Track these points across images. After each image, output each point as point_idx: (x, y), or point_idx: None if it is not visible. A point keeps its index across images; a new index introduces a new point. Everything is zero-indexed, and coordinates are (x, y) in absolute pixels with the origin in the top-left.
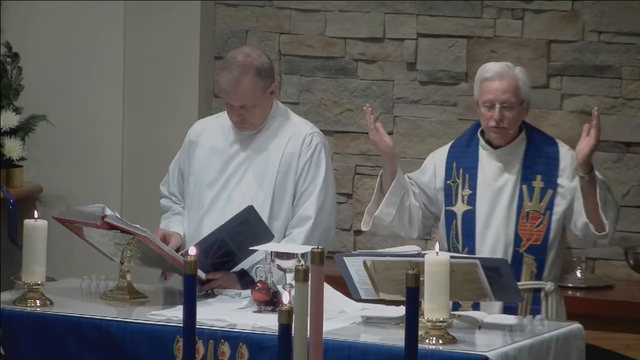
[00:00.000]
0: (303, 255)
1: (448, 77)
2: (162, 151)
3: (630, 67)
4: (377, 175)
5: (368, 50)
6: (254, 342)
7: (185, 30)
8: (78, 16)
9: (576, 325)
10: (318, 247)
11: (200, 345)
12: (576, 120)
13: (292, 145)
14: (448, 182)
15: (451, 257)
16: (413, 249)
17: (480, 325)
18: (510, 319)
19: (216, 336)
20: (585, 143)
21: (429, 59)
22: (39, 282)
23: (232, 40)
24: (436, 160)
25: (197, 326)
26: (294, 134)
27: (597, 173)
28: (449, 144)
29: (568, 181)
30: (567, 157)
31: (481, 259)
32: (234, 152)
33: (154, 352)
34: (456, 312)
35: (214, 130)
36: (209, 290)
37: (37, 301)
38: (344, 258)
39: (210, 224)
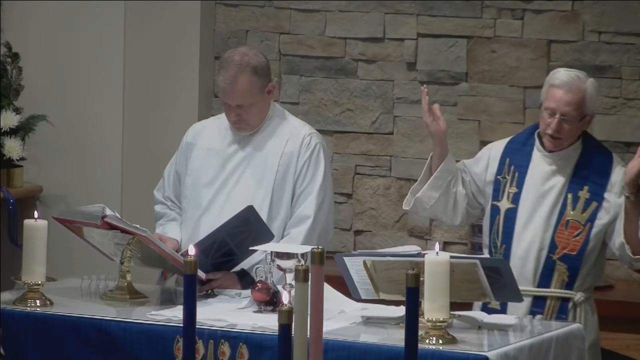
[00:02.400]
0: (303, 255)
1: (448, 77)
2: (162, 151)
3: (630, 67)
4: (377, 176)
5: (368, 50)
6: (254, 342)
7: (185, 30)
8: (78, 16)
9: (576, 325)
10: (318, 247)
11: (200, 345)
12: None
13: (291, 145)
14: (498, 176)
15: (451, 257)
16: (413, 249)
17: (480, 325)
18: (511, 319)
19: (216, 336)
20: (636, 163)
21: (429, 59)
22: (39, 282)
23: (232, 40)
24: (491, 153)
25: (197, 326)
26: (293, 135)
27: None
28: (508, 139)
29: (615, 197)
30: (619, 172)
31: (481, 259)
32: (232, 152)
33: (154, 352)
34: (456, 312)
35: (211, 131)
36: (209, 290)
37: (37, 301)
38: (344, 258)
39: (208, 223)
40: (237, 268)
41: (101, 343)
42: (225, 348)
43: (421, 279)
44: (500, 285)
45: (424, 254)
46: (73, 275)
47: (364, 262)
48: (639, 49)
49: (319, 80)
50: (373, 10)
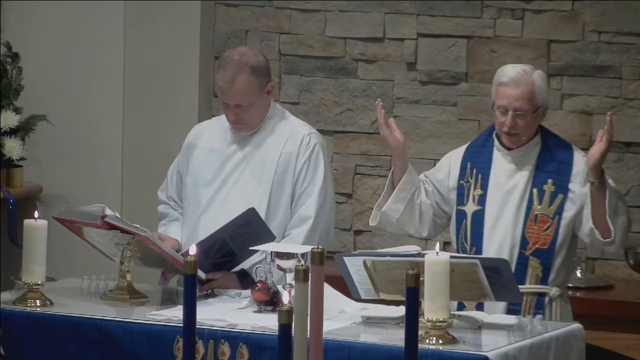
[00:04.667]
0: (303, 255)
1: (448, 77)
2: (162, 151)
3: (630, 67)
4: (377, 176)
5: (368, 50)
6: (254, 342)
7: (185, 30)
8: (78, 16)
9: (576, 325)
10: (318, 247)
11: (200, 345)
12: (576, 120)
13: (290, 145)
14: (461, 181)
15: (451, 257)
16: (413, 249)
17: (480, 325)
18: (510, 319)
19: (216, 336)
20: (597, 148)
21: (429, 59)
22: (39, 282)
23: (232, 40)
24: (452, 160)
25: (197, 326)
26: (292, 134)
27: (609, 180)
28: (467, 144)
29: (580, 187)
30: (580, 162)
31: (481, 259)
32: (231, 152)
33: (154, 352)
34: (456, 312)
35: (212, 132)
36: (209, 290)
37: (37, 301)
38: (344, 258)
39: (207, 223)
40: (237, 268)
41: (101, 343)
42: (225, 348)
43: (421, 279)
44: (500, 285)
45: (424, 254)
46: (73, 275)
47: (364, 262)
48: (639, 49)
49: (319, 80)
50: (373, 10)
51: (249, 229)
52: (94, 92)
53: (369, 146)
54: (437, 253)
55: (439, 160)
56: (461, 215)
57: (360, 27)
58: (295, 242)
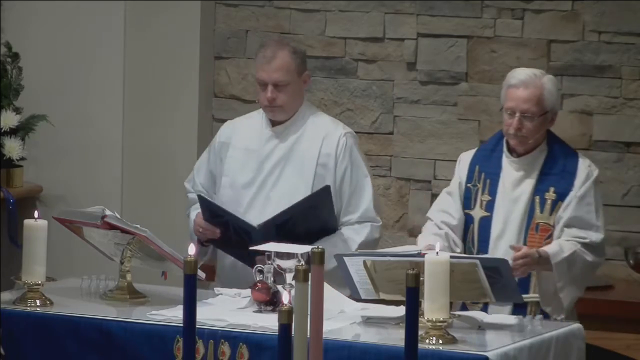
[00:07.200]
0: (303, 255)
1: (448, 77)
2: (162, 151)
3: (630, 67)
4: (377, 176)
5: (368, 50)
6: (254, 342)
7: (185, 30)
8: (78, 16)
9: (576, 325)
10: (318, 247)
11: (200, 345)
12: (576, 120)
13: (328, 146)
14: (468, 185)
15: (451, 257)
16: (413, 249)
17: (480, 325)
18: (510, 319)
19: (216, 336)
20: (517, 274)
21: (429, 59)
22: (39, 282)
23: (232, 40)
24: (461, 165)
25: (197, 326)
26: (328, 134)
27: (558, 257)
28: (476, 148)
29: (575, 192)
30: (584, 171)
31: (481, 259)
32: (268, 152)
33: (154, 352)
34: (456, 312)
35: (246, 131)
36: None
37: (37, 301)
38: (344, 258)
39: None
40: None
41: (102, 343)
42: (225, 348)
43: (421, 279)
44: (501, 285)
45: (424, 254)
46: (73, 275)
47: (364, 262)
48: (639, 49)
49: (319, 80)
50: (373, 10)
51: (317, 211)
52: (94, 92)
53: (369, 146)
54: (437, 253)
55: (439, 160)
56: (469, 219)
57: (360, 27)
58: (358, 234)
